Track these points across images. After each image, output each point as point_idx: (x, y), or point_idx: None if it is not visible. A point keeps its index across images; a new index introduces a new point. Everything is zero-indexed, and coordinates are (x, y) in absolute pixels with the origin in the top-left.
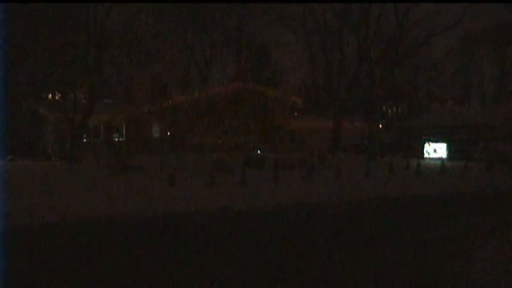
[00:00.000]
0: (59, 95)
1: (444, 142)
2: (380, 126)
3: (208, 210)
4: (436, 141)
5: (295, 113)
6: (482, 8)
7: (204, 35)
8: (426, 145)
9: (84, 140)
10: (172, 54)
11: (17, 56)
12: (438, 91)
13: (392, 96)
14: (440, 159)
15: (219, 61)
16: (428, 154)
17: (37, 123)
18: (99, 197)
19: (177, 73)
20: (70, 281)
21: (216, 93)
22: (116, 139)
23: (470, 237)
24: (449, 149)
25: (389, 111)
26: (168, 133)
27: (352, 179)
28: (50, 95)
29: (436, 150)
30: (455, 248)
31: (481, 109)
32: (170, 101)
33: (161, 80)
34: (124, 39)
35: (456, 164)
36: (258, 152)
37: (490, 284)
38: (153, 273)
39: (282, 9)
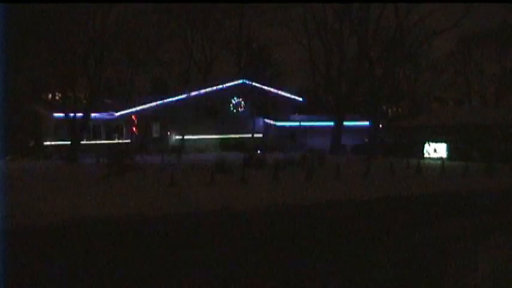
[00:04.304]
0: (59, 95)
1: (444, 142)
2: (380, 126)
3: (208, 211)
4: (436, 141)
5: (296, 113)
6: (482, 8)
7: (204, 35)
8: (426, 145)
9: (84, 140)
10: (172, 54)
11: (17, 56)
12: (438, 91)
13: (392, 96)
14: (441, 159)
15: (219, 61)
16: (429, 154)
17: (37, 123)
18: (99, 197)
19: (177, 73)
20: (70, 282)
21: (216, 93)
22: (116, 139)
23: (473, 236)
24: (449, 149)
25: (389, 111)
26: (168, 133)
27: (352, 179)
28: (50, 95)
29: (436, 150)
30: (457, 248)
31: (481, 109)
32: (170, 101)
33: (161, 79)
34: (124, 39)
35: (456, 164)
36: (258, 152)
37: (492, 284)
38: (152, 274)
39: (282, 10)
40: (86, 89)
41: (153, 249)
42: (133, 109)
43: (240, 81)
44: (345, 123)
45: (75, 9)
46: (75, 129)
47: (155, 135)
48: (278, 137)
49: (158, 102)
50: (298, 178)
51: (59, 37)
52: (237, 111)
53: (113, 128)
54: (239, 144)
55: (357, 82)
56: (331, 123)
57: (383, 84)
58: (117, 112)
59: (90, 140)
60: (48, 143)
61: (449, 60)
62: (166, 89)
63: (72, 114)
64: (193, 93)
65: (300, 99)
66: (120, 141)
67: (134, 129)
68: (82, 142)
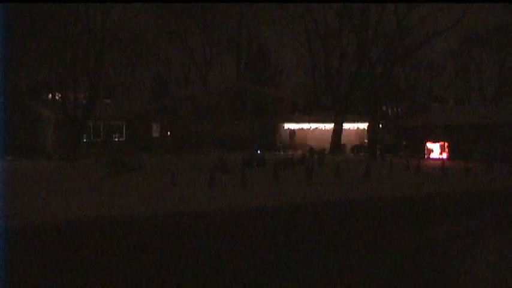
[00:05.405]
0: (59, 95)
1: (444, 142)
2: (380, 126)
3: (208, 210)
4: (436, 141)
5: (296, 113)
6: (482, 8)
7: (204, 35)
8: (426, 145)
9: (84, 140)
10: (172, 54)
11: (17, 56)
12: (438, 91)
13: (392, 96)
14: (441, 159)
15: (219, 61)
16: (429, 154)
17: (37, 123)
18: (99, 197)
19: (177, 73)
20: (69, 282)
21: (216, 93)
22: (116, 139)
23: (472, 236)
24: (450, 149)
25: (390, 111)
26: (168, 133)
27: (351, 179)
28: (50, 95)
29: (436, 150)
30: (457, 248)
31: (481, 109)
32: (170, 101)
33: (161, 79)
34: (124, 39)
35: (457, 164)
36: (258, 151)
37: (491, 284)
38: (152, 274)
39: (282, 10)
40: (86, 89)
41: (152, 248)
42: (134, 109)
43: (240, 81)
44: (345, 123)
45: (75, 9)
46: (75, 129)
47: (155, 135)
48: (278, 137)
49: (158, 102)
50: (298, 178)
51: (59, 37)
52: (237, 111)
53: (113, 127)
54: (239, 144)
55: (356, 82)
56: (331, 123)
57: (383, 84)
58: (120, 114)
59: (90, 140)
60: (48, 143)
61: (449, 60)
62: (166, 89)
63: (72, 114)
64: (193, 94)
65: (300, 99)
66: (120, 139)
67: (134, 129)
68: (82, 142)
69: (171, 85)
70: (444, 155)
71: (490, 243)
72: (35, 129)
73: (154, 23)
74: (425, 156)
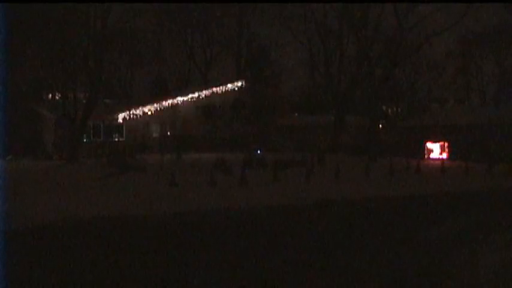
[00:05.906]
0: (59, 95)
1: (444, 142)
2: (380, 126)
3: (209, 210)
4: (436, 141)
5: (295, 113)
6: (482, 8)
7: (204, 35)
8: (426, 145)
9: (84, 140)
10: (172, 54)
11: (17, 55)
12: (438, 91)
13: (392, 96)
14: (441, 159)
15: (219, 61)
16: (429, 154)
17: (37, 123)
18: (100, 197)
19: (177, 73)
20: (69, 283)
21: (216, 93)
22: (116, 139)
23: (471, 237)
24: (449, 149)
25: (389, 111)
26: (168, 133)
27: (351, 179)
28: (50, 95)
29: (436, 150)
30: (457, 247)
31: (481, 109)
32: (170, 101)
33: (161, 79)
34: (124, 38)
35: (456, 164)
36: (258, 151)
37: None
38: (153, 274)
39: (282, 10)
40: (86, 89)
41: (151, 248)
42: (134, 109)
43: (240, 81)
44: (345, 122)
45: (75, 9)
46: (75, 129)
47: (155, 135)
48: (278, 137)
49: (158, 102)
50: (298, 178)
51: (59, 37)
52: (237, 111)
53: (113, 127)
54: (239, 144)
55: (356, 82)
56: (331, 123)
57: (383, 84)
58: (120, 114)
59: (90, 140)
60: (48, 143)
61: (449, 60)
62: (166, 89)
63: (72, 114)
64: (193, 94)
65: (300, 98)
66: (120, 139)
67: (134, 129)
68: (82, 142)
69: (171, 85)
70: (444, 155)
71: (488, 244)
72: (35, 129)
73: (154, 23)
74: (425, 157)
